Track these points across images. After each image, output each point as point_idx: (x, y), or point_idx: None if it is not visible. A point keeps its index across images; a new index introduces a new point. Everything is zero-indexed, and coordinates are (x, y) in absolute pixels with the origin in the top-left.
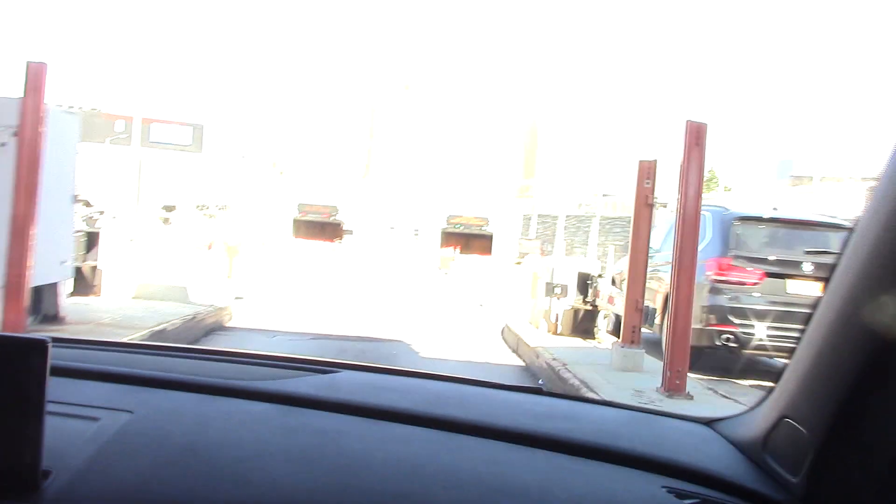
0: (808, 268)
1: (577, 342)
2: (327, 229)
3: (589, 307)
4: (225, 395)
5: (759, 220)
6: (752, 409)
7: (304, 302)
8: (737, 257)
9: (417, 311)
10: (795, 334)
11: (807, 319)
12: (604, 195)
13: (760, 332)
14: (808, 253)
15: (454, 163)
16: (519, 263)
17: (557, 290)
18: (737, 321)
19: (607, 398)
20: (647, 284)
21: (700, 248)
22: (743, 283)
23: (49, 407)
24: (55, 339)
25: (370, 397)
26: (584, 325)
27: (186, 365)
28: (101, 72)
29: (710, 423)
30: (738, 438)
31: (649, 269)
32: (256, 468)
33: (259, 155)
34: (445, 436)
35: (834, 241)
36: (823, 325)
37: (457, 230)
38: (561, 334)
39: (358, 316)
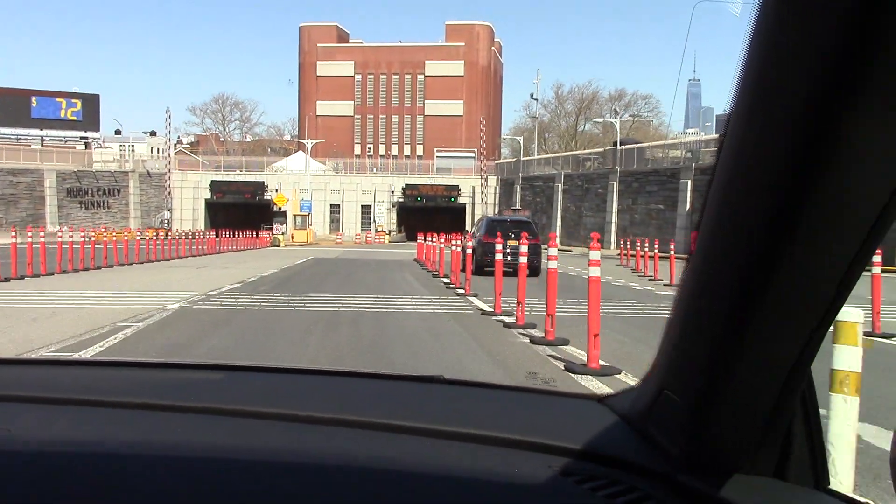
0: (514, 235)
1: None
2: (252, 213)
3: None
4: (104, 406)
5: (500, 220)
6: (640, 383)
7: None
8: (490, 233)
9: None
10: (512, 259)
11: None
12: (621, 145)
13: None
14: (514, 229)
15: (409, 122)
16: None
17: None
18: (491, 256)
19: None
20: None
21: (482, 231)
22: (493, 243)
23: None
24: None
25: (246, 399)
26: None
27: (68, 377)
28: None
29: (601, 399)
30: (626, 413)
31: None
32: (136, 478)
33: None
34: (326, 431)
35: (519, 224)
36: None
37: (418, 203)
38: None
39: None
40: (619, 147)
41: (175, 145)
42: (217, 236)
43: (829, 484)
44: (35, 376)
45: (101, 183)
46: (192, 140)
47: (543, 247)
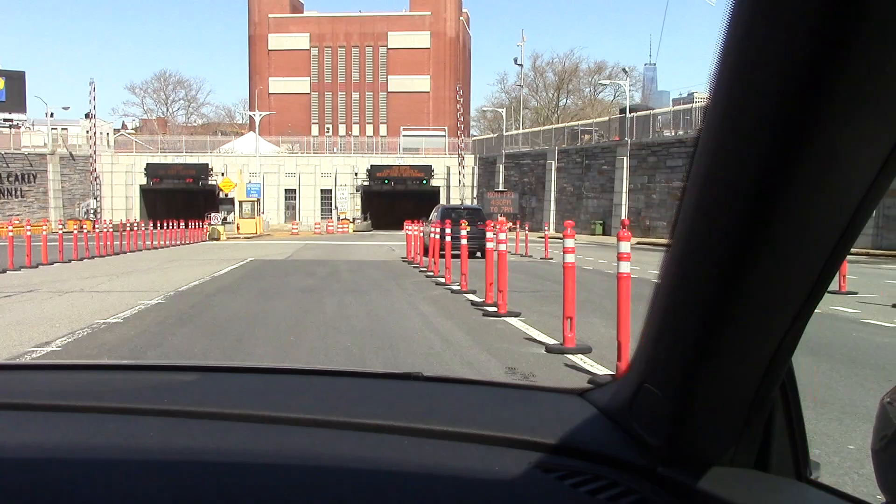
0: (464, 219)
1: None
2: (195, 201)
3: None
4: (75, 411)
5: (451, 208)
6: (621, 376)
7: None
8: (443, 218)
9: None
10: (463, 242)
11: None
12: (629, 112)
13: (455, 241)
14: (465, 215)
15: (371, 99)
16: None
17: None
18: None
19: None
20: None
21: (437, 217)
22: (445, 227)
23: None
24: None
25: (213, 400)
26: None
27: (36, 381)
28: None
29: (582, 393)
30: (607, 407)
31: (430, 228)
32: (110, 483)
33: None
34: (303, 432)
35: (471, 212)
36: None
37: (385, 187)
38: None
39: None
40: (628, 115)
41: (120, 130)
42: (118, 230)
43: (810, 474)
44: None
45: (13, 167)
46: (137, 125)
47: (552, 236)
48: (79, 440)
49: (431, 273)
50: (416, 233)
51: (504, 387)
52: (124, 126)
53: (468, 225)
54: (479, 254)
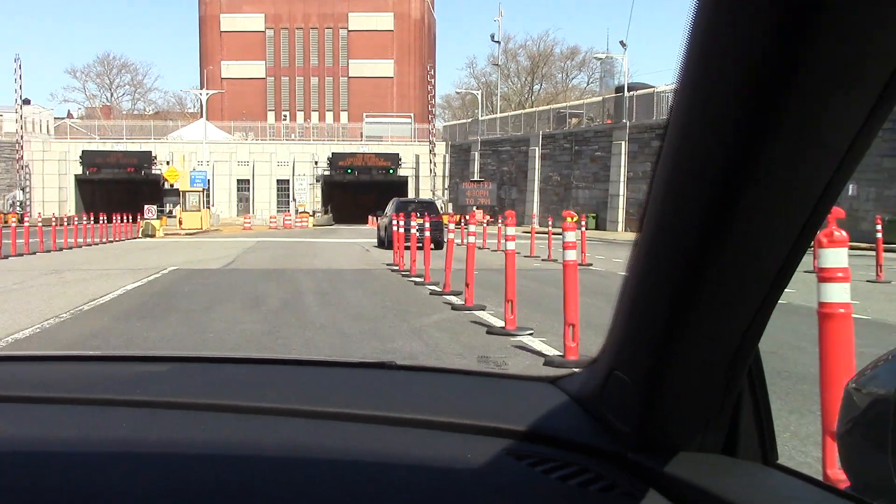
0: (417, 212)
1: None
2: (138, 192)
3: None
4: (49, 403)
5: (407, 201)
6: (591, 363)
7: None
8: (398, 212)
9: None
10: (416, 232)
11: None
12: (627, 90)
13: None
14: (418, 207)
15: (331, 85)
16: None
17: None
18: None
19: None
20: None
21: (392, 210)
22: (399, 219)
23: None
24: None
25: (190, 391)
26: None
27: (9, 372)
28: None
29: (554, 380)
30: (579, 394)
31: (385, 219)
32: (86, 475)
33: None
34: (276, 421)
35: (425, 205)
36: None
37: (349, 177)
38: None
39: None
40: (626, 94)
41: (64, 118)
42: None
43: (777, 459)
44: None
45: None
46: (84, 113)
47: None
48: (49, 432)
49: (456, 298)
50: (413, 231)
51: (477, 375)
52: (70, 115)
53: (421, 217)
54: (433, 245)
